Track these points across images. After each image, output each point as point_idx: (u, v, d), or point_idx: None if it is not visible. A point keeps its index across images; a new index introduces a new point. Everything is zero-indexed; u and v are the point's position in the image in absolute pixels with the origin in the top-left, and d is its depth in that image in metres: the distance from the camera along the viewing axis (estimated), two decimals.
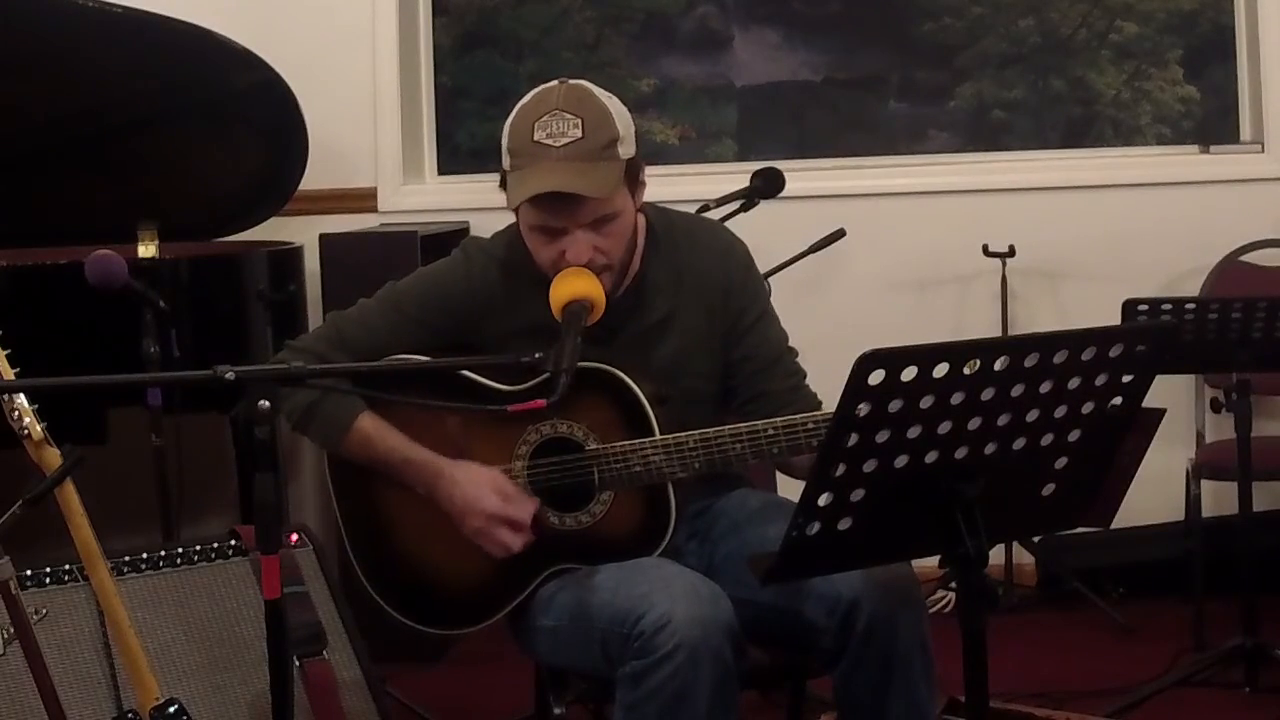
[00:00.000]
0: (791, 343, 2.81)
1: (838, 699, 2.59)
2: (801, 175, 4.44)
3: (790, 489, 2.39)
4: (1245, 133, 4.78)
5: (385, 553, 2.74)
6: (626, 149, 2.58)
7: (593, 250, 2.57)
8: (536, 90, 2.61)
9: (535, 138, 2.54)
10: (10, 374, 2.49)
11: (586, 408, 2.60)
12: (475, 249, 2.78)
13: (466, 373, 2.67)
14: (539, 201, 2.55)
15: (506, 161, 2.60)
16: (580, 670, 2.68)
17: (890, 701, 2.50)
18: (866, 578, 2.46)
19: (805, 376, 2.78)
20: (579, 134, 2.53)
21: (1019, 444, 2.05)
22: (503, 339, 2.68)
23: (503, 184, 2.62)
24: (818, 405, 2.70)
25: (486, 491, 2.61)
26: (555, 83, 2.60)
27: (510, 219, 2.69)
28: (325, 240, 4.38)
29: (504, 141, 2.61)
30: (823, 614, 2.50)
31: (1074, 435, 2.08)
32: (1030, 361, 1.97)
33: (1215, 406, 3.73)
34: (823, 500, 1.98)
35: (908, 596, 2.50)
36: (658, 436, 2.57)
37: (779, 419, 2.55)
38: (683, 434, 2.56)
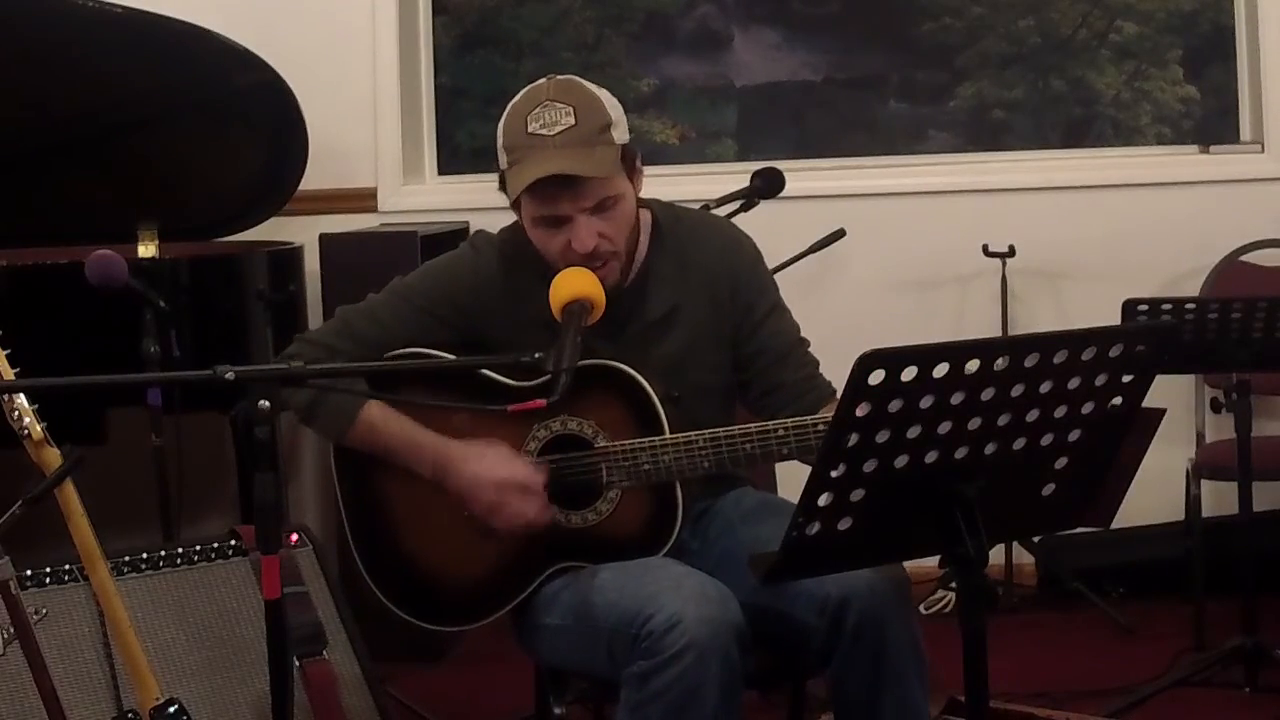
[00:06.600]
0: None
1: (832, 698, 2.59)
2: (801, 175, 4.44)
3: (791, 488, 2.38)
4: (1245, 133, 4.78)
5: (388, 546, 2.74)
6: (620, 134, 2.60)
7: (597, 237, 2.57)
8: (526, 89, 2.62)
9: (530, 129, 2.55)
10: (10, 374, 2.49)
11: (596, 405, 2.59)
12: (483, 242, 2.79)
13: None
14: (540, 190, 2.55)
15: (503, 160, 2.61)
16: (583, 670, 2.68)
17: (883, 700, 2.50)
18: (856, 576, 2.45)
19: (819, 365, 2.77)
20: (572, 121, 2.54)
21: (1019, 444, 2.04)
22: (511, 332, 2.68)
23: (501, 184, 2.63)
24: (833, 394, 2.69)
25: (494, 461, 2.60)
26: (544, 80, 2.62)
27: (513, 216, 2.70)
28: (325, 240, 4.38)
29: (499, 141, 2.62)
30: (813, 614, 2.50)
31: (1074, 435, 2.07)
32: (1030, 361, 1.97)
33: (1215, 406, 3.72)
34: (823, 500, 1.97)
35: (897, 595, 2.50)
36: (667, 435, 2.57)
37: (789, 420, 2.54)
38: (692, 433, 2.55)
